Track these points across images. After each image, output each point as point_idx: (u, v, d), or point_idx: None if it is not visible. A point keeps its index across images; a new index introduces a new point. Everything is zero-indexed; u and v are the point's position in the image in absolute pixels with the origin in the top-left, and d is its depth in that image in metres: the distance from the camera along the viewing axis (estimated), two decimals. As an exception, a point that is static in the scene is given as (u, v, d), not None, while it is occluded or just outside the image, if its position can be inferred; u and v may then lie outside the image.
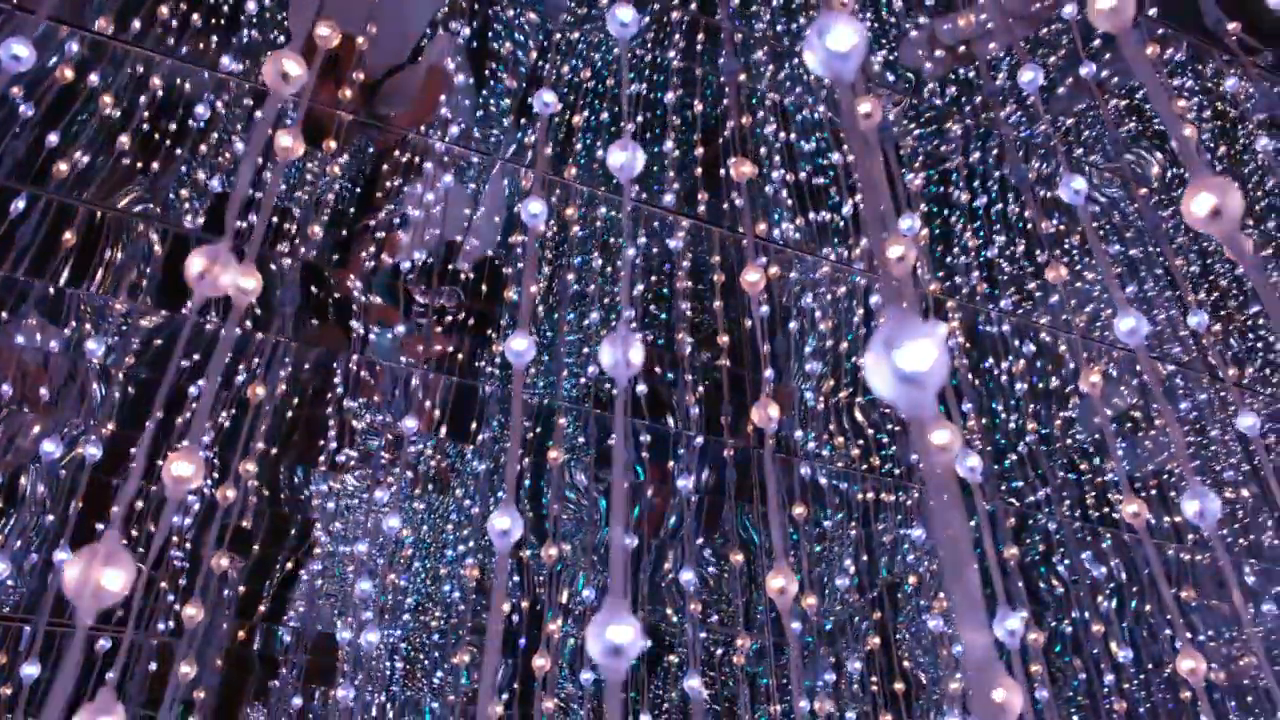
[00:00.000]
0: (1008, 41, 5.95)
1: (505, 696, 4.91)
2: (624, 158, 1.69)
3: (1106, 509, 5.95)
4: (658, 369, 5.90)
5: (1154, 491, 6.02)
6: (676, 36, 5.55)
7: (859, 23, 1.01)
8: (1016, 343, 5.79)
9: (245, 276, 1.23)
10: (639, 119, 5.38)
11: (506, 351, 1.62)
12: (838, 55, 0.98)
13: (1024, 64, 2.73)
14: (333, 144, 3.96)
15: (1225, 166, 5.59)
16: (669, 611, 6.22)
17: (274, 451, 5.26)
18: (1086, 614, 5.95)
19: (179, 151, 4.79)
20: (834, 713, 4.70)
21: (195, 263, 1.03)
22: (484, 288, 5.11)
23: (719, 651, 6.67)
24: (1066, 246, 5.64)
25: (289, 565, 5.79)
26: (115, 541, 0.86)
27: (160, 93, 4.60)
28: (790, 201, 5.19)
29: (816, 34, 1.01)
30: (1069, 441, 6.49)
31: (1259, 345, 5.73)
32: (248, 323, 4.59)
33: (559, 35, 5.47)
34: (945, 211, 6.37)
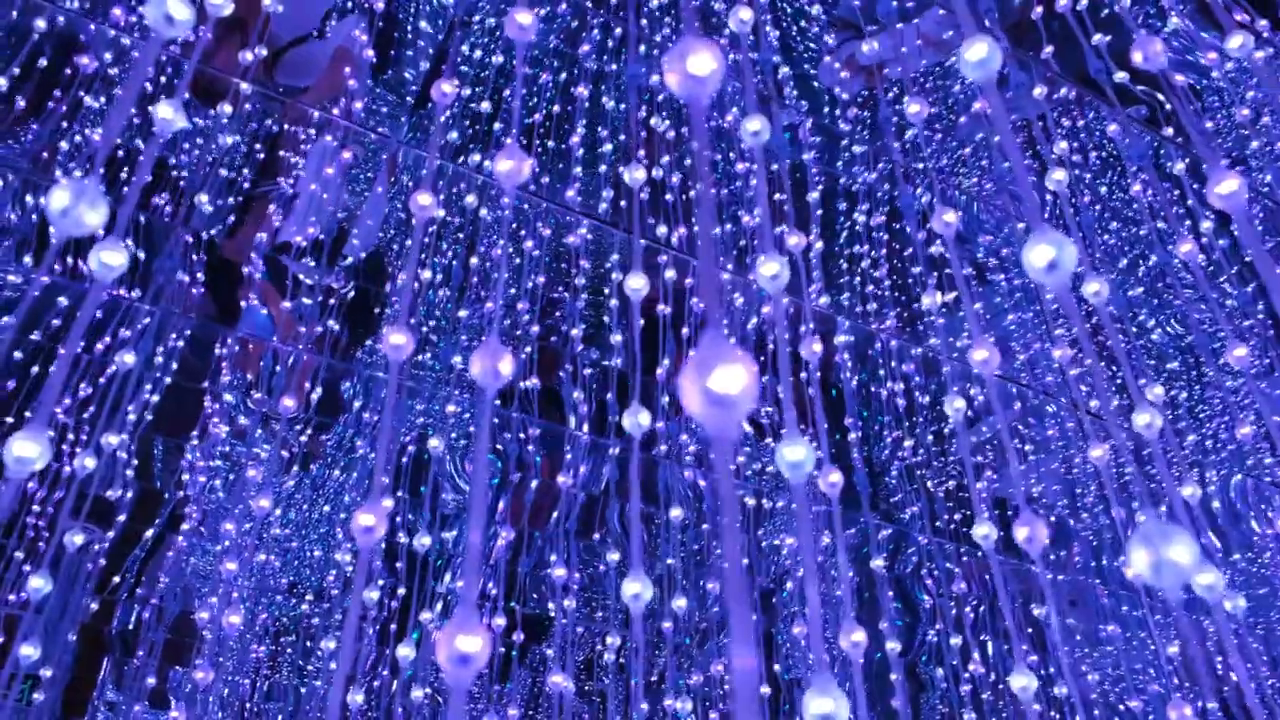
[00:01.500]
0: (917, 67, 6.14)
1: (375, 684, 4.86)
2: (509, 165, 1.70)
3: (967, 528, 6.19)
4: (563, 367, 5.91)
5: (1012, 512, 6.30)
6: (595, 32, 5.57)
7: (718, 48, 1.05)
8: (897, 363, 5.98)
9: (112, 252, 1.20)
10: (551, 111, 5.37)
11: (385, 347, 1.62)
12: (696, 79, 1.01)
13: (910, 97, 2.83)
14: (228, 108, 3.84)
15: (1104, 208, 5.88)
16: (551, 606, 6.24)
17: (144, 424, 5.08)
18: (951, 627, 6.21)
19: (62, 106, 4.58)
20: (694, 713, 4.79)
21: (58, 198, 0.98)
22: (358, 278, 5.04)
23: (596, 648, 6.72)
24: (949, 273, 5.85)
25: (153, 541, 5.61)
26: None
27: (47, 43, 4.40)
28: (685, 206, 5.26)
29: (677, 56, 1.05)
30: (948, 459, 6.74)
31: (1120, 378, 6.05)
32: (123, 289, 4.42)
33: (472, 19, 5.42)
34: (843, 229, 6.54)
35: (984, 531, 2.72)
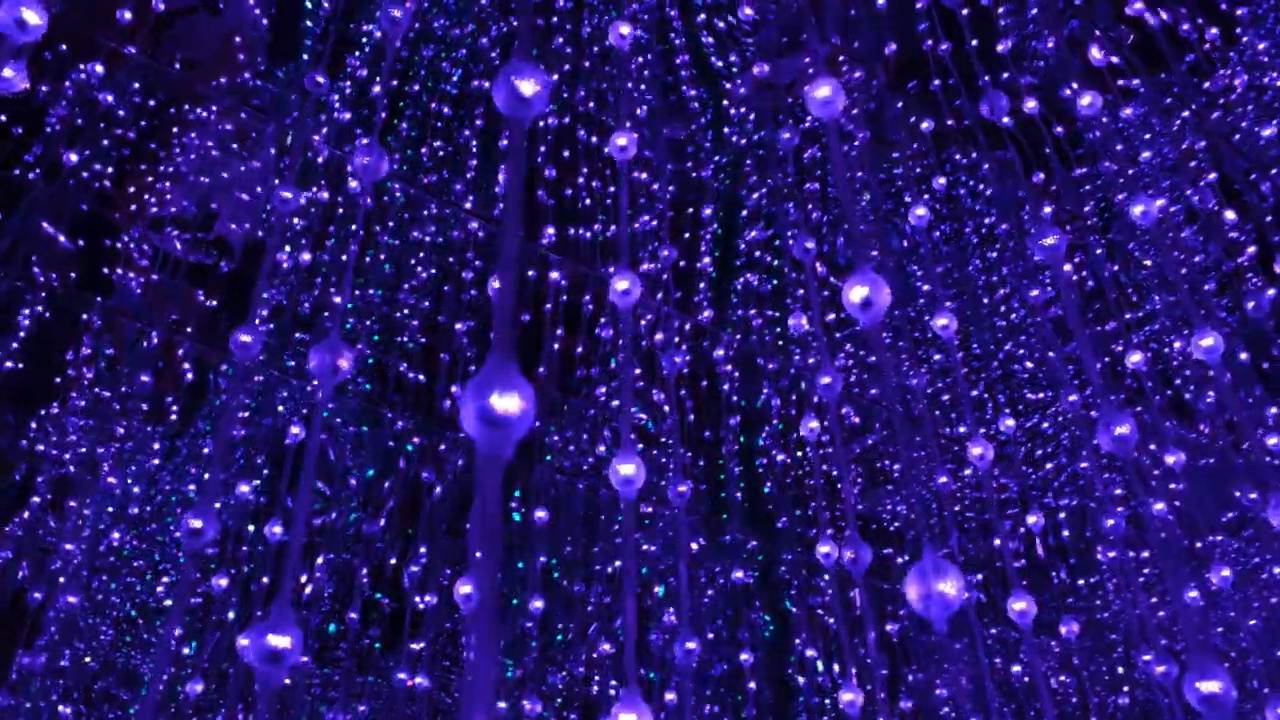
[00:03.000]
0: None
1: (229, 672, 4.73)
2: (366, 161, 1.71)
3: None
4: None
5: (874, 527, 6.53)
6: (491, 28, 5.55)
7: (544, 72, 1.09)
8: (774, 379, 6.14)
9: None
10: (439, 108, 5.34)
11: (233, 345, 1.60)
12: (521, 99, 1.05)
13: (785, 127, 2.92)
14: (100, 68, 3.70)
15: (962, 244, 6.13)
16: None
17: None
18: (818, 638, 6.39)
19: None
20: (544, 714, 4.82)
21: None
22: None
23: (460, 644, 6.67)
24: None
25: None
26: None
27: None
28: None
29: (505, 76, 1.08)
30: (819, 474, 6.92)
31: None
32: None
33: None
34: (735, 246, 6.67)
35: (825, 549, 2.83)
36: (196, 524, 1.38)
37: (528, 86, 1.12)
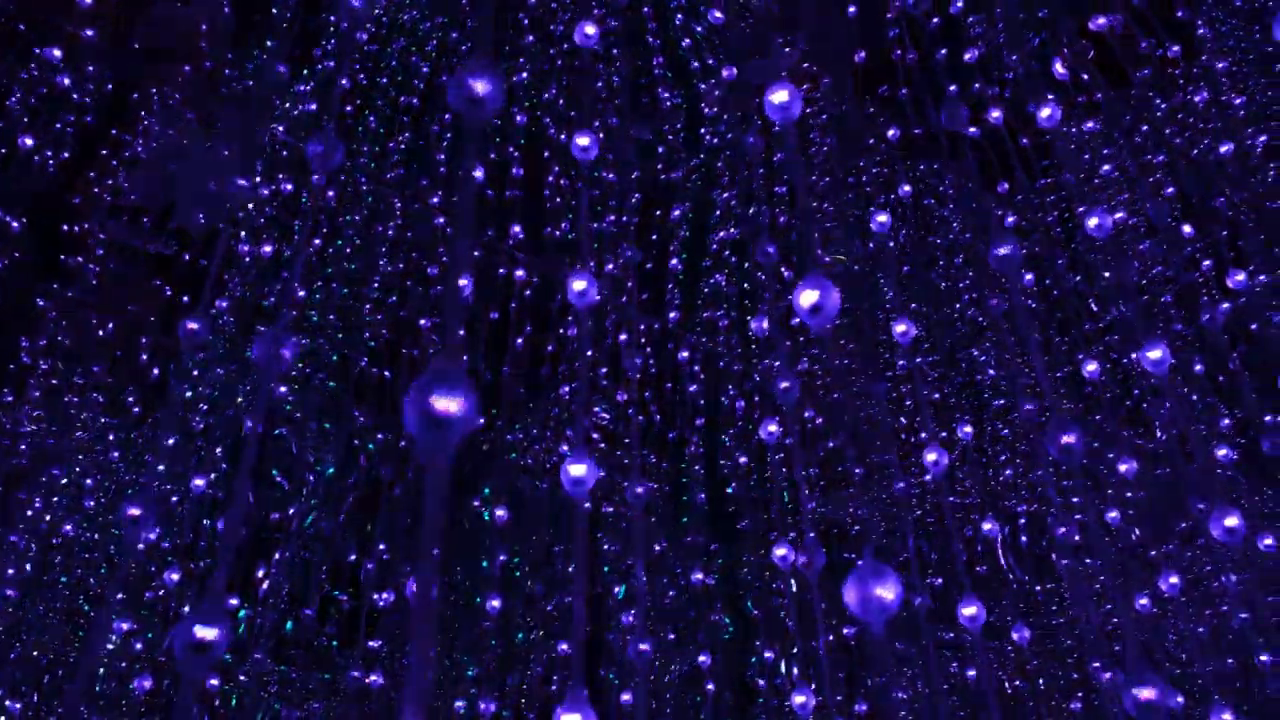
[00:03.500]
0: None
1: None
2: (320, 151, 1.70)
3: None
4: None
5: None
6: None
7: (498, 73, 1.09)
8: (740, 380, 6.16)
9: None
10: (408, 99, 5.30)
11: (181, 332, 1.58)
12: (474, 100, 1.05)
13: (751, 131, 2.93)
14: (58, 52, 3.64)
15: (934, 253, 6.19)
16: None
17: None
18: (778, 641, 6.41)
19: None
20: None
21: None
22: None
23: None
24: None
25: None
26: None
27: None
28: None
29: (459, 77, 1.08)
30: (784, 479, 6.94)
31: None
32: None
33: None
34: (702, 247, 6.68)
35: (781, 553, 2.84)
36: (135, 512, 1.36)
37: (480, 86, 1.12)
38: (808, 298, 1.41)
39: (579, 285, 1.91)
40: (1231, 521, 1.78)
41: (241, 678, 5.42)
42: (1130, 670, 1.47)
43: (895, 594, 1.09)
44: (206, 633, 0.99)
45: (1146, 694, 1.44)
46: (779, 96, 1.65)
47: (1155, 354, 1.97)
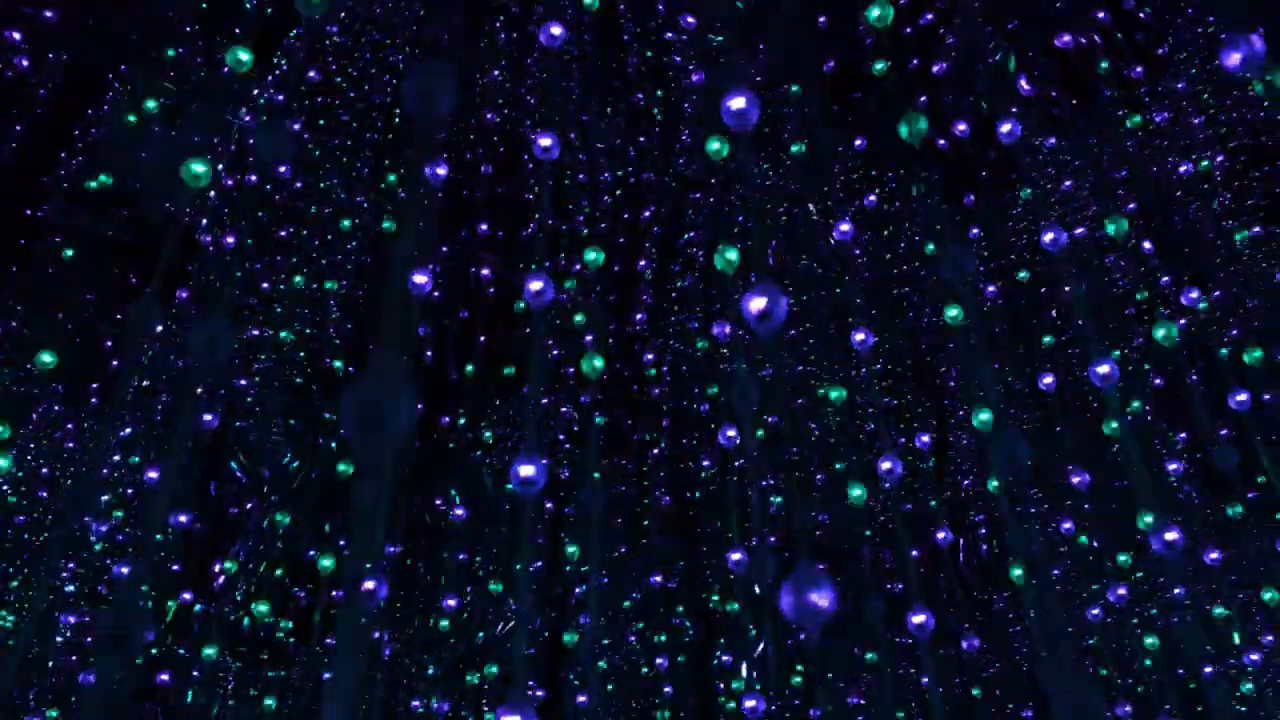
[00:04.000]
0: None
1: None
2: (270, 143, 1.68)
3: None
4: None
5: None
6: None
7: (450, 73, 1.10)
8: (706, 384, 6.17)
9: None
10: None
11: (130, 319, 1.57)
12: (425, 98, 1.06)
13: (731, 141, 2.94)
14: (17, 35, 3.58)
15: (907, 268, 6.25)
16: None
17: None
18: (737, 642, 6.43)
19: None
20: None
21: None
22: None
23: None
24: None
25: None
26: None
27: None
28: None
29: (414, 80, 1.09)
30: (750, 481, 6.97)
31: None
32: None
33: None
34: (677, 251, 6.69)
35: (736, 557, 2.85)
36: (92, 504, 1.36)
37: (441, 90, 1.12)
38: (755, 304, 1.42)
39: (535, 285, 1.92)
40: (1171, 535, 1.82)
41: (194, 674, 5.37)
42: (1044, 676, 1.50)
43: (829, 601, 1.10)
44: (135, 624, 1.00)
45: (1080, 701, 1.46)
46: (736, 103, 1.66)
47: (1104, 369, 2.01)
